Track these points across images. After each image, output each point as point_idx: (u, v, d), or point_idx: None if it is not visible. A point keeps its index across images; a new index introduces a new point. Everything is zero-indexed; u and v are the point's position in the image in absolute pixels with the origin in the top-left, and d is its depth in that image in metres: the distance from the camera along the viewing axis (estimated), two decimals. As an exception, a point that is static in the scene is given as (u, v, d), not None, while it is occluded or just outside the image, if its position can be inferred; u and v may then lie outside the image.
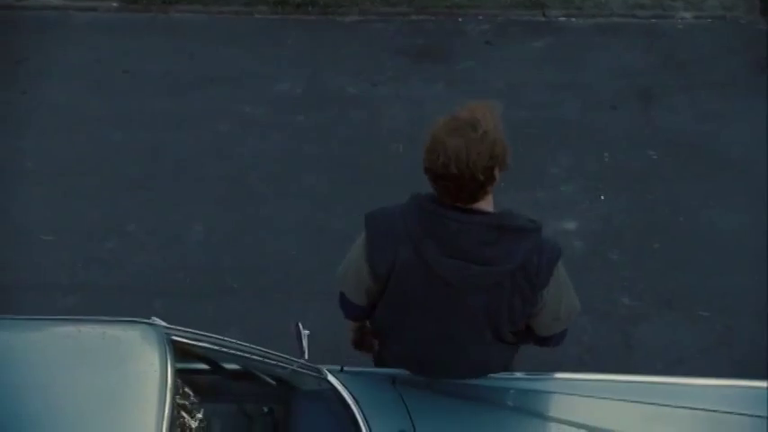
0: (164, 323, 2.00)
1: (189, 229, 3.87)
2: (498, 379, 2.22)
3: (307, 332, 2.28)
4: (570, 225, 3.91)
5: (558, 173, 4.23)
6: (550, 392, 2.20)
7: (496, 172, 1.96)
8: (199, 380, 2.09)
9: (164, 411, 1.71)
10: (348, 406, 2.07)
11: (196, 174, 4.19)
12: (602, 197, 4.08)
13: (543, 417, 2.12)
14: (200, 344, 1.98)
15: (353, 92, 4.67)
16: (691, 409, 2.19)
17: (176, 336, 1.92)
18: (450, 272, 1.96)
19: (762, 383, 2.35)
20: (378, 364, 2.36)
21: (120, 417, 1.69)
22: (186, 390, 1.97)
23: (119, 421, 1.69)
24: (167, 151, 4.33)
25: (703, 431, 2.17)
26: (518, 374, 2.26)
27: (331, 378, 2.15)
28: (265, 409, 2.17)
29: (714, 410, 2.19)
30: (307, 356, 2.25)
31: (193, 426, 2.01)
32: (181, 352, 1.91)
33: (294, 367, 2.11)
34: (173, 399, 1.76)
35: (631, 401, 2.19)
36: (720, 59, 4.93)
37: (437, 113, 4.71)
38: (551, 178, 4.19)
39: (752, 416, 2.20)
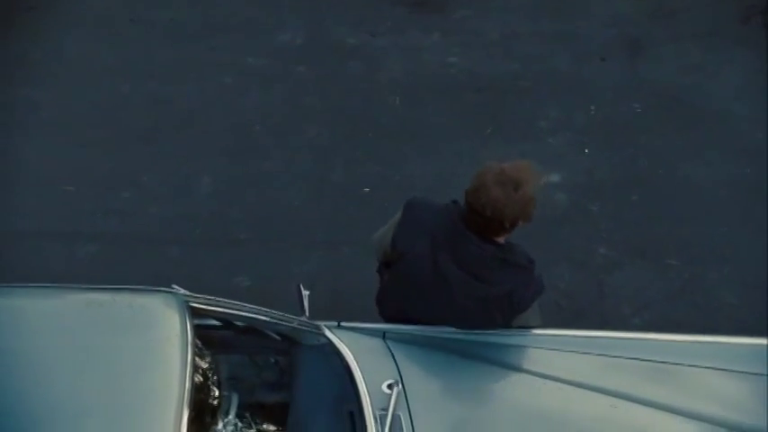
0: (183, 290, 2.30)
1: (198, 181, 4.13)
2: (479, 334, 2.54)
3: (307, 292, 2.59)
4: (555, 178, 4.15)
5: (545, 125, 4.45)
6: (525, 347, 2.52)
7: (520, 223, 2.43)
8: (214, 335, 2.41)
9: (186, 370, 2.03)
10: (343, 358, 2.39)
11: (202, 126, 4.42)
12: (587, 150, 4.31)
13: (516, 369, 2.44)
14: (215, 308, 2.29)
15: (353, 42, 4.82)
16: (650, 361, 2.50)
17: (194, 302, 2.22)
18: (454, 278, 2.41)
19: (723, 339, 2.65)
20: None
21: (148, 377, 2.01)
22: (195, 339, 2.27)
23: (147, 381, 2.00)
24: (174, 102, 4.53)
25: (658, 381, 2.47)
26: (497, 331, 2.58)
27: (328, 333, 2.46)
28: (272, 360, 2.50)
29: (674, 363, 2.49)
30: (308, 314, 2.56)
31: (204, 366, 2.33)
32: (198, 316, 2.22)
33: (295, 325, 2.42)
34: (193, 359, 2.08)
35: (597, 354, 2.50)
36: (709, 8, 5.05)
37: (433, 65, 4.89)
38: (539, 131, 4.41)
39: (708, 368, 2.51)
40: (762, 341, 2.58)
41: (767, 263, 3.72)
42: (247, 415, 2.43)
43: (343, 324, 2.55)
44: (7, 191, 4.08)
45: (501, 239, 2.43)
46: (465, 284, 2.39)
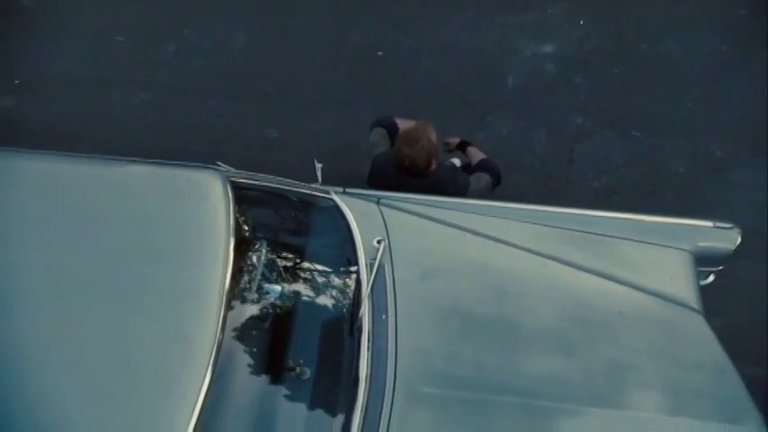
0: (226, 167, 3.03)
1: (233, 38, 4.70)
2: (454, 203, 3.27)
3: (320, 165, 3.29)
4: (548, 48, 4.65)
5: (548, -6, 4.84)
6: (483, 216, 3.21)
7: (432, 161, 3.36)
8: (250, 196, 3.16)
9: (229, 226, 2.81)
10: (345, 218, 3.14)
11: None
12: (582, 22, 4.75)
13: (474, 233, 3.14)
14: (249, 180, 3.03)
15: None
16: (577, 231, 3.20)
17: (234, 177, 2.96)
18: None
19: (640, 216, 3.30)
20: None
21: (203, 231, 2.79)
22: (235, 204, 3.01)
23: (203, 233, 2.78)
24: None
25: (583, 248, 3.17)
26: (471, 202, 3.30)
27: (335, 198, 3.20)
28: (292, 214, 3.28)
29: (597, 234, 3.19)
30: (320, 182, 3.28)
31: (242, 220, 3.10)
32: (237, 186, 2.97)
33: (310, 191, 3.17)
34: (235, 217, 2.86)
35: (536, 224, 3.19)
36: None
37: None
38: (541, 0, 4.81)
39: (624, 239, 3.17)
40: (672, 220, 3.27)
41: (718, 137, 4.33)
42: (274, 251, 3.25)
43: (347, 190, 3.29)
44: (70, 40, 4.70)
45: (429, 171, 3.34)
46: None
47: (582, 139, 4.33)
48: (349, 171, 3.71)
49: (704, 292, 3.48)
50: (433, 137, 3.33)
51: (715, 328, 3.73)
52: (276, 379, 2.88)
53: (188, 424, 2.44)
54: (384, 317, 2.93)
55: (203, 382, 2.53)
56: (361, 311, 2.92)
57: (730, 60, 4.56)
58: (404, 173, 3.37)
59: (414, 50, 4.61)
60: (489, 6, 4.75)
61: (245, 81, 4.56)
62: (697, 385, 2.89)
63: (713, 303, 3.76)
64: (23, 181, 2.95)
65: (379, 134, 3.58)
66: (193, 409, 2.47)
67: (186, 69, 4.61)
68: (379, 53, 4.62)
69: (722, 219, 3.26)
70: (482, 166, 3.58)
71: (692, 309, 3.08)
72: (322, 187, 3.27)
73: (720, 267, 3.34)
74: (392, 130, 3.59)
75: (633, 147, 4.30)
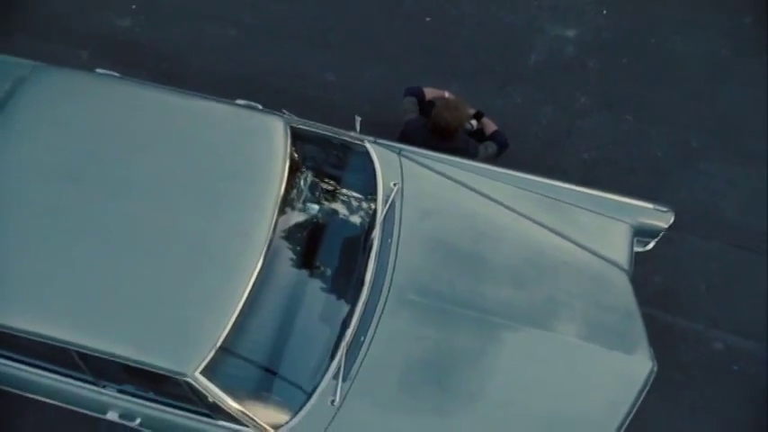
0: (289, 114, 4.05)
1: (310, -14, 5.59)
2: (458, 162, 4.22)
3: (359, 118, 4.27)
4: (570, 32, 5.42)
5: (581, -18, 5.55)
6: (478, 176, 4.16)
7: (459, 129, 4.30)
8: (304, 136, 4.19)
9: (285, 161, 3.86)
10: (372, 162, 4.14)
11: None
12: (605, 12, 5.47)
13: (468, 188, 4.11)
14: (304, 127, 4.05)
15: None
16: (547, 197, 4.13)
17: (294, 124, 3.99)
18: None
19: (599, 192, 4.18)
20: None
21: (264, 164, 3.84)
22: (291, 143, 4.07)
23: (267, 162, 3.84)
24: None
25: (548, 210, 4.11)
26: (470, 163, 4.25)
27: (367, 145, 4.19)
28: (333, 153, 4.30)
29: (561, 201, 4.12)
30: (358, 131, 4.26)
31: (295, 156, 4.14)
32: (294, 130, 4.01)
33: (349, 138, 4.17)
34: (291, 152, 3.90)
35: (515, 186, 4.14)
36: None
37: None
38: (574, -13, 5.53)
39: (583, 209, 4.10)
40: (621, 198, 4.18)
41: (697, 130, 5.11)
42: (316, 179, 4.30)
43: (377, 141, 4.28)
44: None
45: (453, 136, 4.25)
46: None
47: (582, 116, 5.17)
48: (387, 118, 4.67)
49: (649, 257, 4.44)
50: (467, 110, 4.33)
51: (655, 284, 4.72)
52: (306, 273, 4.00)
53: (243, 294, 3.59)
54: (389, 241, 3.98)
55: (256, 267, 3.66)
56: (373, 234, 3.97)
57: (727, 63, 5.27)
58: (436, 134, 4.25)
59: (457, 20, 5.42)
60: (526, -12, 5.51)
61: (313, 29, 5.46)
62: (609, 323, 3.90)
63: (658, 267, 4.73)
64: (136, 107, 4.03)
65: (410, 102, 4.50)
66: (247, 285, 3.61)
67: (267, 13, 5.52)
68: (427, 19, 5.46)
69: (663, 203, 4.17)
70: (493, 137, 4.51)
71: (621, 268, 4.04)
72: (358, 136, 4.27)
73: (657, 239, 4.27)
74: (421, 98, 4.52)
75: (623, 128, 5.12)
